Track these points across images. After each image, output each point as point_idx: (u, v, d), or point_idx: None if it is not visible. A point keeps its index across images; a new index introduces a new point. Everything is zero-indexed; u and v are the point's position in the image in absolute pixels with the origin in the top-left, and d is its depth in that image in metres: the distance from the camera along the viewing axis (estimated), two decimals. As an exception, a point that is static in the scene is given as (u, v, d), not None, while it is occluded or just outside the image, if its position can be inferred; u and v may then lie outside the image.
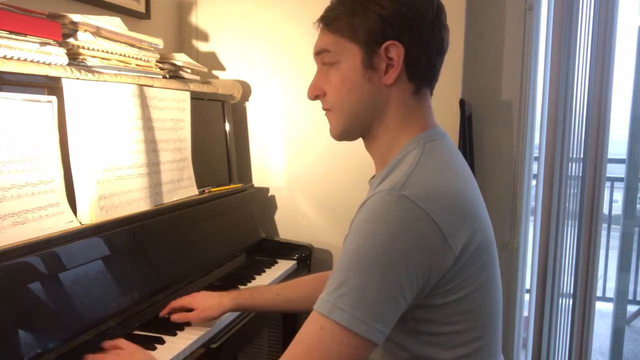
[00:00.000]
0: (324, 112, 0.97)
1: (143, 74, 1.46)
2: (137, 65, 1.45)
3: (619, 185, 3.53)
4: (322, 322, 0.78)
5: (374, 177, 0.98)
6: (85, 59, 1.27)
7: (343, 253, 0.81)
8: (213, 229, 1.63)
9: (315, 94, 0.95)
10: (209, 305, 1.22)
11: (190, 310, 1.23)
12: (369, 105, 0.91)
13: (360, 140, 0.99)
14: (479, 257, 0.85)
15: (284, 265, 1.76)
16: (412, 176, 0.82)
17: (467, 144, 1.85)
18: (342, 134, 0.95)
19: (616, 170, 3.48)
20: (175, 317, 1.23)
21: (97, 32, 1.31)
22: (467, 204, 0.85)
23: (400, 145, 0.91)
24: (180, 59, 1.66)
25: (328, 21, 0.91)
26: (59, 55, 1.17)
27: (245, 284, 1.55)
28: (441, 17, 0.90)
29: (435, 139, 0.91)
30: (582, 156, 2.01)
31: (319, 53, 0.93)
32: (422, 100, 0.92)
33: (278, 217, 2.03)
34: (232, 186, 1.83)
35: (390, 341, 0.87)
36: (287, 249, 1.87)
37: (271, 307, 1.25)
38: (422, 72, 0.90)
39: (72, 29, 1.25)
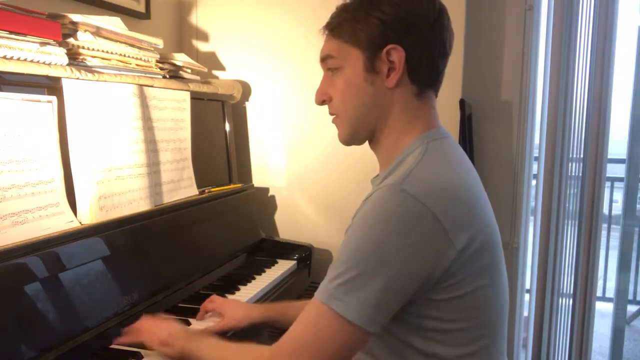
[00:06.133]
0: (332, 118, 0.98)
1: (143, 74, 1.46)
2: (137, 65, 1.45)
3: (619, 185, 3.53)
4: (320, 309, 0.82)
5: (377, 176, 0.99)
6: (85, 59, 1.27)
7: (343, 244, 0.83)
8: (213, 229, 1.63)
9: (322, 99, 0.97)
10: (237, 315, 1.23)
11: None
12: (373, 108, 0.92)
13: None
14: (484, 254, 0.85)
15: (284, 265, 1.76)
16: (413, 172, 0.83)
17: (467, 144, 1.85)
18: (350, 138, 0.97)
19: (616, 170, 3.47)
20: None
21: (97, 32, 1.31)
22: (471, 201, 0.86)
23: (404, 144, 0.92)
24: (180, 59, 1.66)
25: (332, 27, 0.93)
26: (59, 55, 1.16)
27: (245, 284, 1.55)
28: (443, 20, 0.91)
29: (439, 138, 0.92)
30: (582, 156, 2.01)
31: (324, 59, 0.95)
32: (426, 102, 0.94)
33: (278, 217, 2.03)
34: (232, 186, 1.83)
35: (396, 338, 0.88)
36: (287, 249, 1.87)
37: None
38: (424, 74, 0.91)
39: (72, 29, 1.25)
